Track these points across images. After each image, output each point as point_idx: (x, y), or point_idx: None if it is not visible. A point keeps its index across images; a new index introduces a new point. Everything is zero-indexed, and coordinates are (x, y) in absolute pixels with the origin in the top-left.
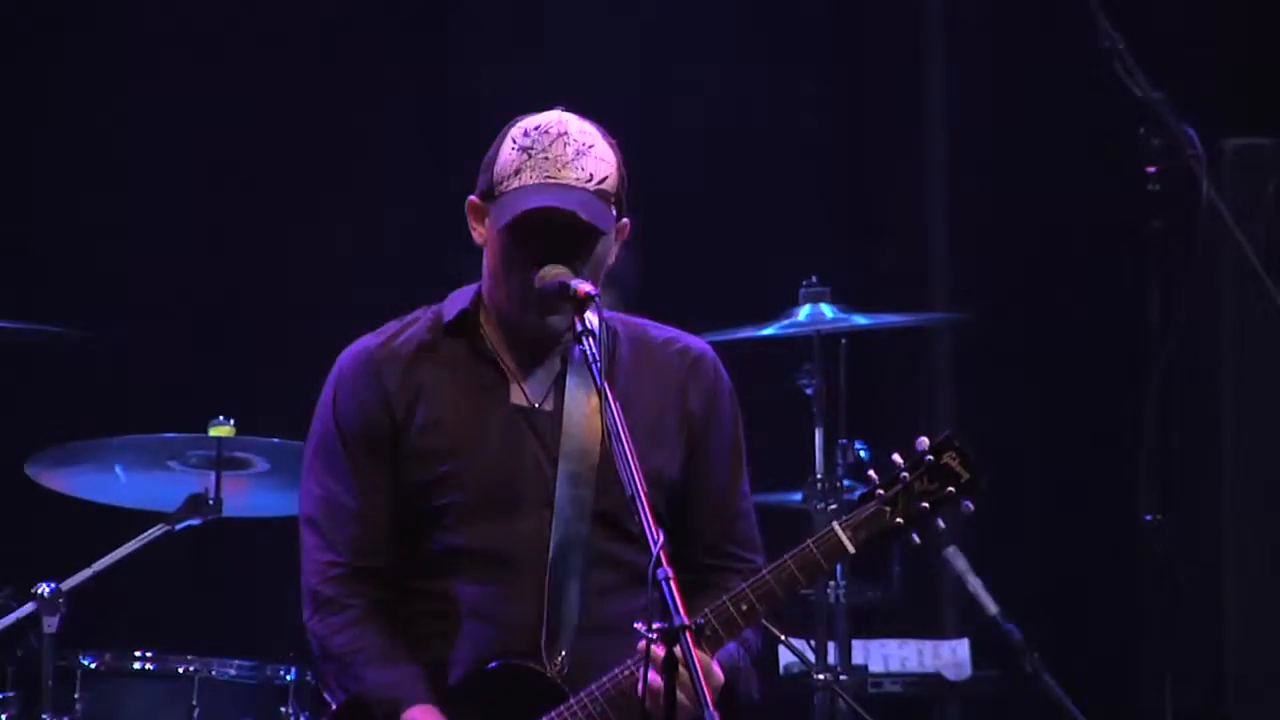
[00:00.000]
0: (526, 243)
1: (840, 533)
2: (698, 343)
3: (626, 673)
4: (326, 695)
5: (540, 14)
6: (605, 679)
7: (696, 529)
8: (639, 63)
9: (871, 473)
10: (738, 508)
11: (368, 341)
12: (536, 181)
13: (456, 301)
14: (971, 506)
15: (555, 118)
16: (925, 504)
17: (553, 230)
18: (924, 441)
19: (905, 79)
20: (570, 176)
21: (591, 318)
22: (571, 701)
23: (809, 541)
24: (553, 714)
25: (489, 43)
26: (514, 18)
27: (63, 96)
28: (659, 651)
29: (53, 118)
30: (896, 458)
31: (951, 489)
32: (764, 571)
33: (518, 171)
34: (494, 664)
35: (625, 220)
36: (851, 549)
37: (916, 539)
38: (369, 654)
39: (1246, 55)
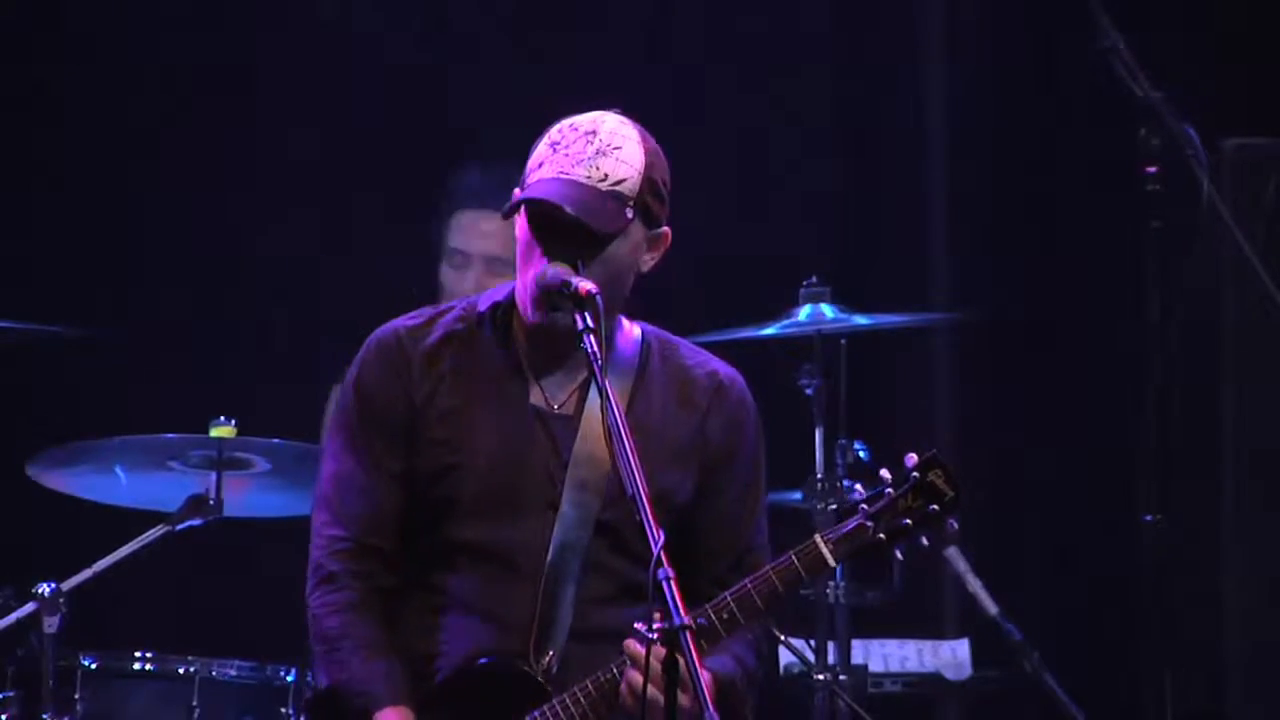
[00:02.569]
0: (535, 234)
1: (822, 546)
2: (728, 370)
3: (608, 675)
4: (313, 673)
5: (540, 14)
6: (588, 681)
7: (706, 558)
8: (639, 63)
9: (859, 487)
10: (750, 541)
11: (399, 323)
12: (551, 175)
13: (493, 295)
14: (956, 525)
15: (593, 117)
16: (908, 521)
17: (558, 224)
18: (911, 458)
19: (905, 79)
20: (581, 174)
21: (600, 317)
22: (554, 701)
23: (790, 553)
24: (535, 713)
25: (489, 43)
26: (514, 18)
27: (63, 96)
28: (658, 652)
29: (53, 118)
30: (884, 474)
31: (935, 506)
32: (745, 581)
33: (541, 165)
34: (481, 661)
35: (664, 229)
36: (832, 563)
37: (900, 555)
38: (356, 643)
39: (1246, 55)
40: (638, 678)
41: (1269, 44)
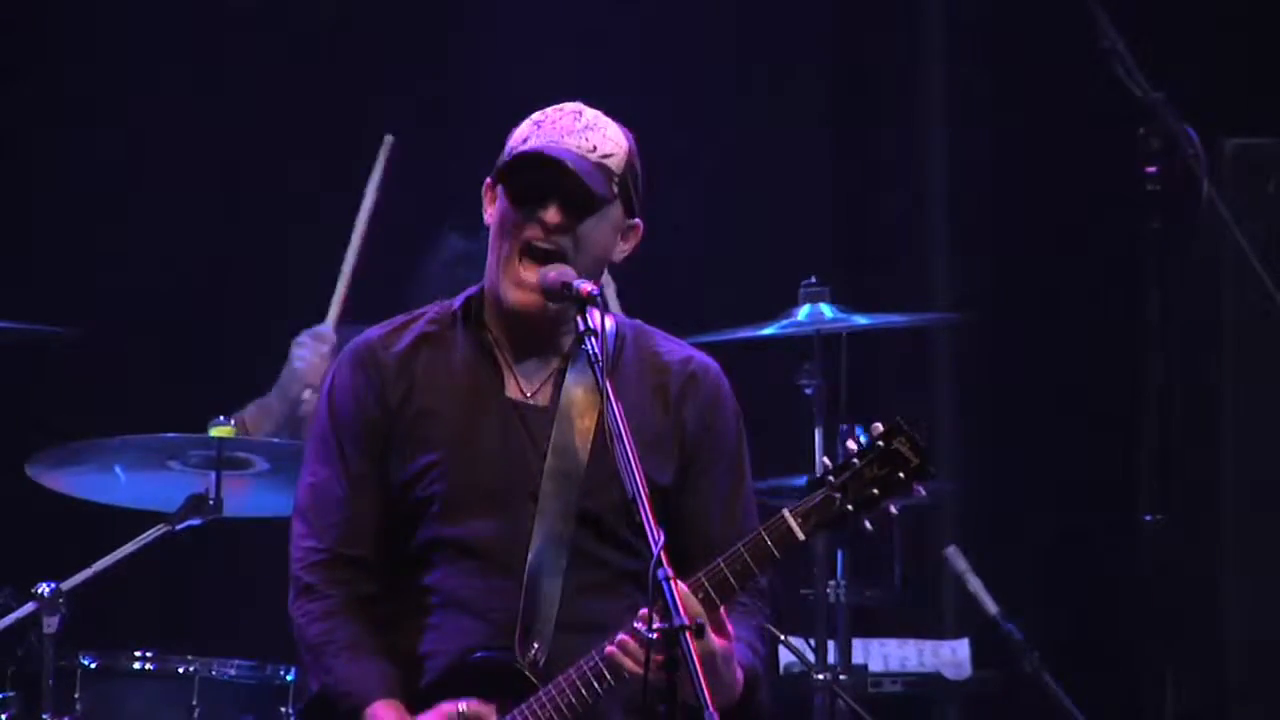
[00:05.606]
0: (519, 206)
1: (790, 520)
2: (702, 358)
3: (590, 664)
4: (305, 683)
5: (541, 13)
6: (571, 670)
7: (692, 546)
8: (639, 62)
9: (824, 458)
10: (741, 526)
11: (371, 333)
12: (538, 145)
13: (465, 293)
14: (923, 492)
15: (575, 104)
16: (875, 490)
17: (547, 189)
18: (877, 427)
19: (905, 79)
20: (572, 143)
21: (596, 316)
22: (540, 694)
23: (759, 529)
24: (521, 707)
25: (490, 43)
26: (516, 17)
27: (63, 96)
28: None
29: (53, 118)
30: (850, 444)
31: (901, 474)
32: (718, 559)
33: (525, 140)
34: (470, 658)
35: (637, 221)
36: (801, 535)
37: (869, 525)
38: (339, 645)
39: (1246, 55)
40: (620, 655)
41: (1269, 44)
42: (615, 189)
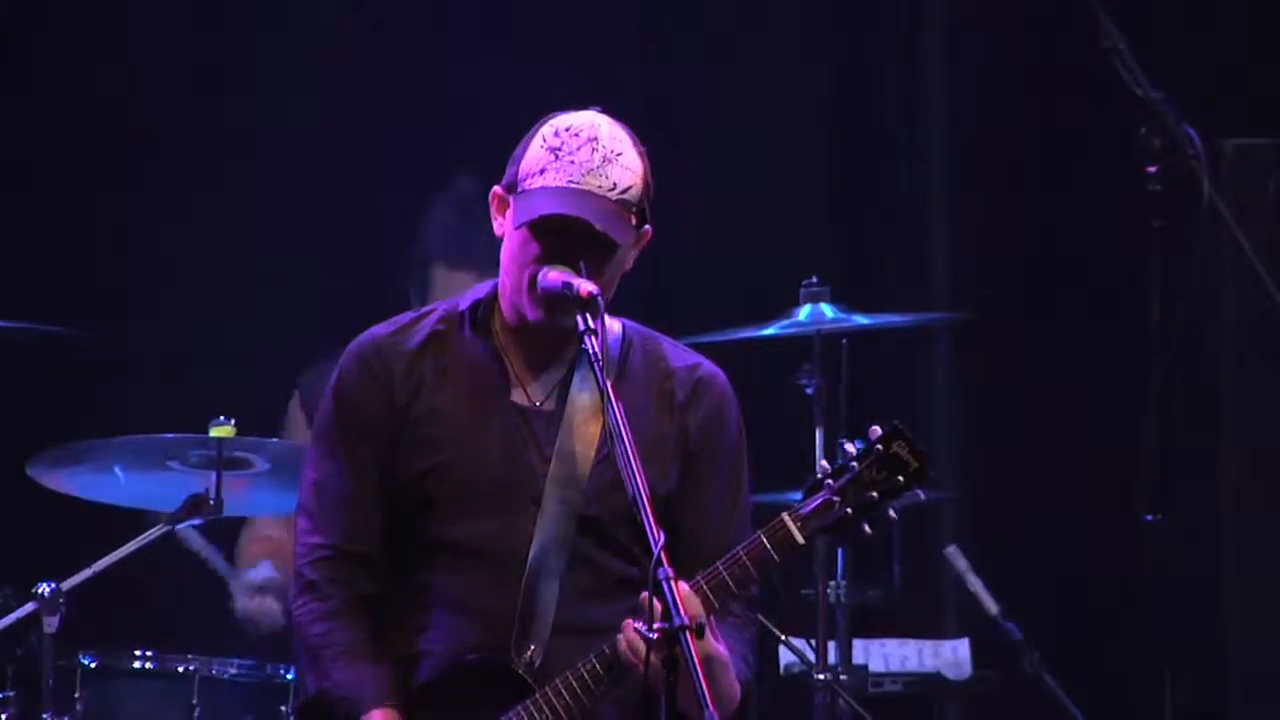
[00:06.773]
0: (541, 243)
1: (789, 524)
2: (710, 366)
3: (589, 665)
4: (300, 680)
5: (541, 11)
6: (569, 673)
7: (684, 556)
8: (639, 62)
9: (823, 462)
10: (735, 537)
11: (378, 330)
12: (559, 185)
13: (475, 293)
14: (923, 495)
15: (588, 120)
16: (875, 494)
17: (568, 235)
18: (875, 431)
19: (905, 79)
20: (593, 184)
21: (602, 319)
22: (537, 695)
23: (759, 533)
24: (517, 709)
25: (490, 42)
26: (515, 15)
27: (62, 95)
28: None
29: (52, 117)
30: (848, 447)
31: (901, 478)
32: (717, 564)
33: (543, 171)
34: (465, 658)
35: (647, 227)
36: (801, 540)
37: (868, 529)
38: (339, 648)
39: (1246, 55)
40: (626, 647)
41: (1269, 44)
42: (634, 219)
